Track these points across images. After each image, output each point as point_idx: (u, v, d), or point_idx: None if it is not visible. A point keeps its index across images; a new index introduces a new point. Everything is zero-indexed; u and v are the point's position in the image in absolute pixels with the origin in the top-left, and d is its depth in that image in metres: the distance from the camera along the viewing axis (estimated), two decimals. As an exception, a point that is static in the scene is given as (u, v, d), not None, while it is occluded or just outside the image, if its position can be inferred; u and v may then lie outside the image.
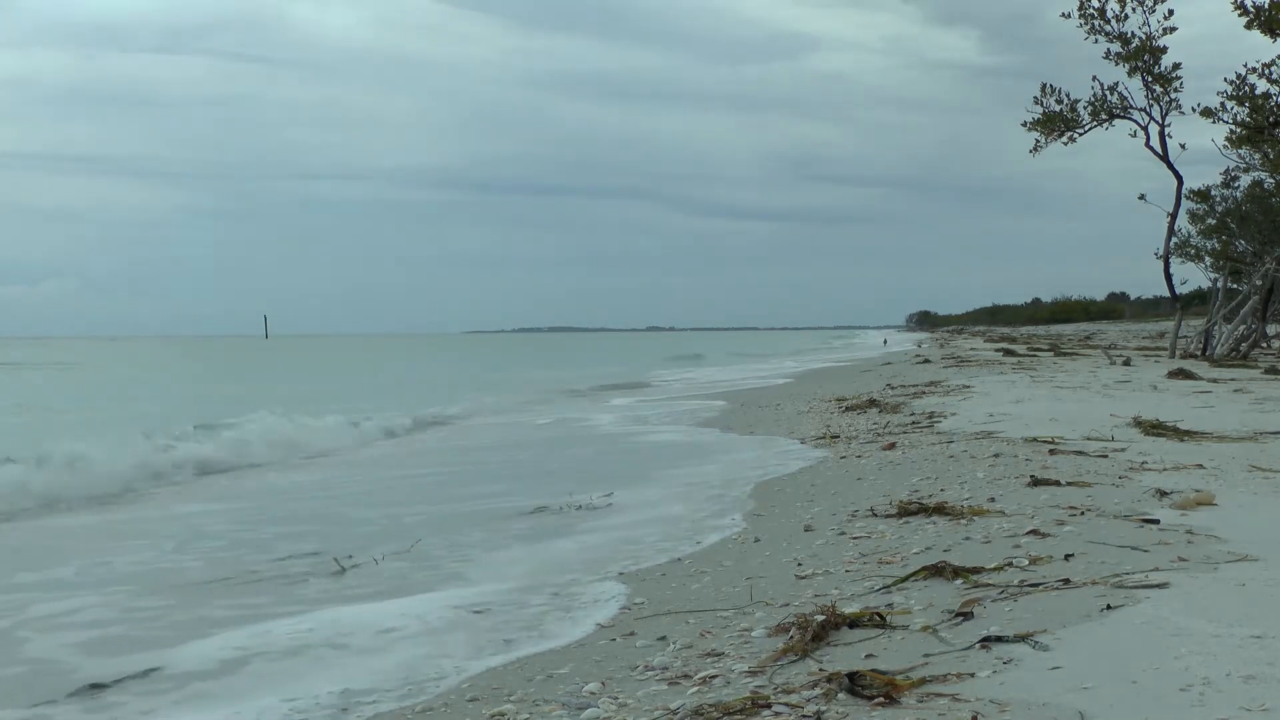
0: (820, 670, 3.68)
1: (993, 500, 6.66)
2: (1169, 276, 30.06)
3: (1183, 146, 28.78)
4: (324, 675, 4.60)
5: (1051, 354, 32.21)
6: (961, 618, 4.15)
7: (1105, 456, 8.29)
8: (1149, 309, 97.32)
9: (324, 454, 13.93)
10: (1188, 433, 9.79)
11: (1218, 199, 33.75)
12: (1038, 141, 30.00)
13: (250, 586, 6.32)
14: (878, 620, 4.20)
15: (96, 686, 4.58)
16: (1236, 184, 32.94)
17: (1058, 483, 7.00)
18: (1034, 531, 5.56)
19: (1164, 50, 27.96)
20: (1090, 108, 29.20)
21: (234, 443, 13.62)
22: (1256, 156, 28.23)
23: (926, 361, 30.74)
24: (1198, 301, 38.14)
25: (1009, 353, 33.77)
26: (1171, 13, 27.69)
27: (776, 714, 3.34)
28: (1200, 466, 7.64)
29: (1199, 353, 27.99)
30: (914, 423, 12.28)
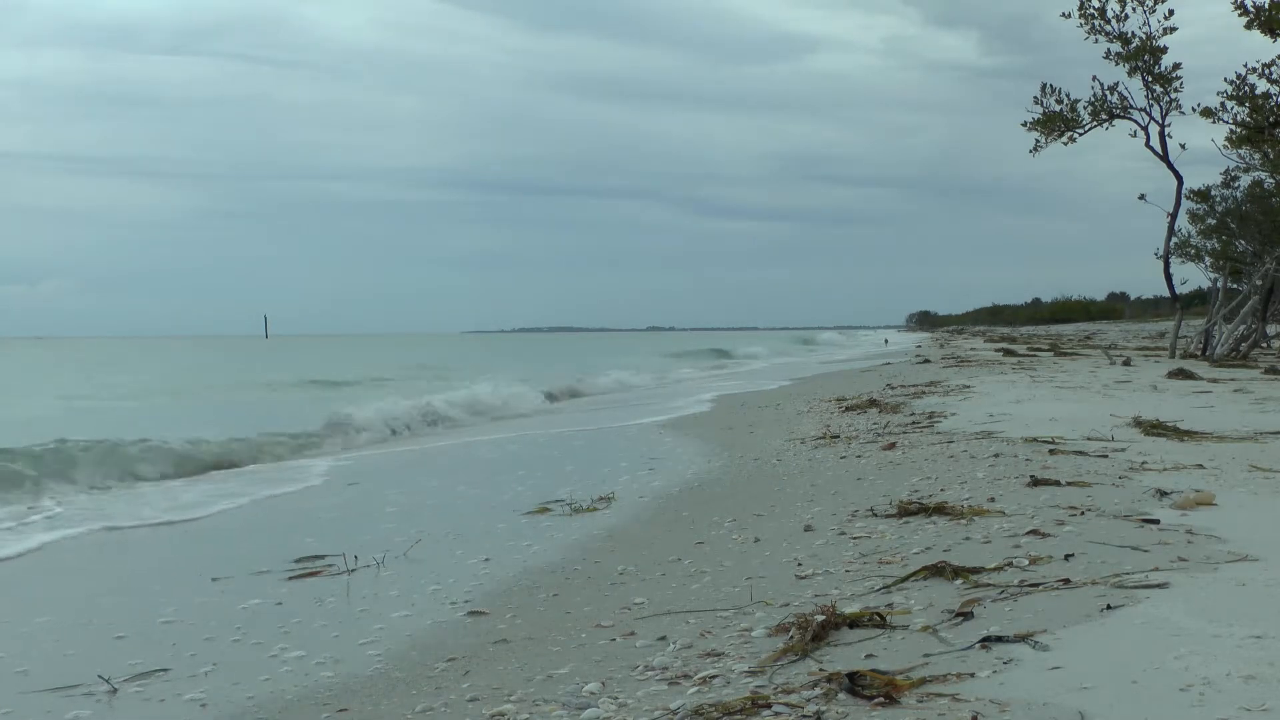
0: (820, 670, 3.68)
1: (993, 500, 6.67)
2: (1169, 276, 30.08)
3: (1183, 146, 28.84)
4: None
5: (1051, 354, 32.20)
6: (961, 618, 4.15)
7: (1105, 456, 8.29)
8: (1149, 309, 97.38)
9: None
10: (1188, 433, 9.78)
11: (1218, 199, 33.80)
12: (1038, 141, 30.03)
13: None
14: (878, 620, 4.20)
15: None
16: (1236, 184, 33.02)
17: (1058, 483, 7.00)
18: (1034, 531, 5.56)
19: (1164, 50, 28.00)
20: (1090, 108, 29.23)
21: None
22: (1256, 156, 28.27)
23: (926, 361, 30.73)
24: (1198, 301, 38.15)
25: (1009, 353, 33.75)
26: (1171, 13, 27.75)
27: (776, 714, 3.34)
28: (1200, 466, 7.64)
29: (1199, 353, 27.98)
30: (914, 423, 12.28)
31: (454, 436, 16.34)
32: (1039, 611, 4.13)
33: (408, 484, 10.89)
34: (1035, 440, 9.45)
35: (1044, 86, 29.53)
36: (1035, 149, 30.21)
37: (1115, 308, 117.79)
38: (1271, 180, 30.81)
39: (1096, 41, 28.34)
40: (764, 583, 5.35)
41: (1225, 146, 26.68)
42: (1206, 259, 34.89)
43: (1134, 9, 27.84)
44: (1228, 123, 24.70)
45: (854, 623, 4.18)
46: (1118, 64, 28.41)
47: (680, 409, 19.16)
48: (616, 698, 3.79)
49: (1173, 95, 28.37)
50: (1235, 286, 31.71)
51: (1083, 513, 5.99)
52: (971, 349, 41.99)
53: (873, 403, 15.28)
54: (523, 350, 73.85)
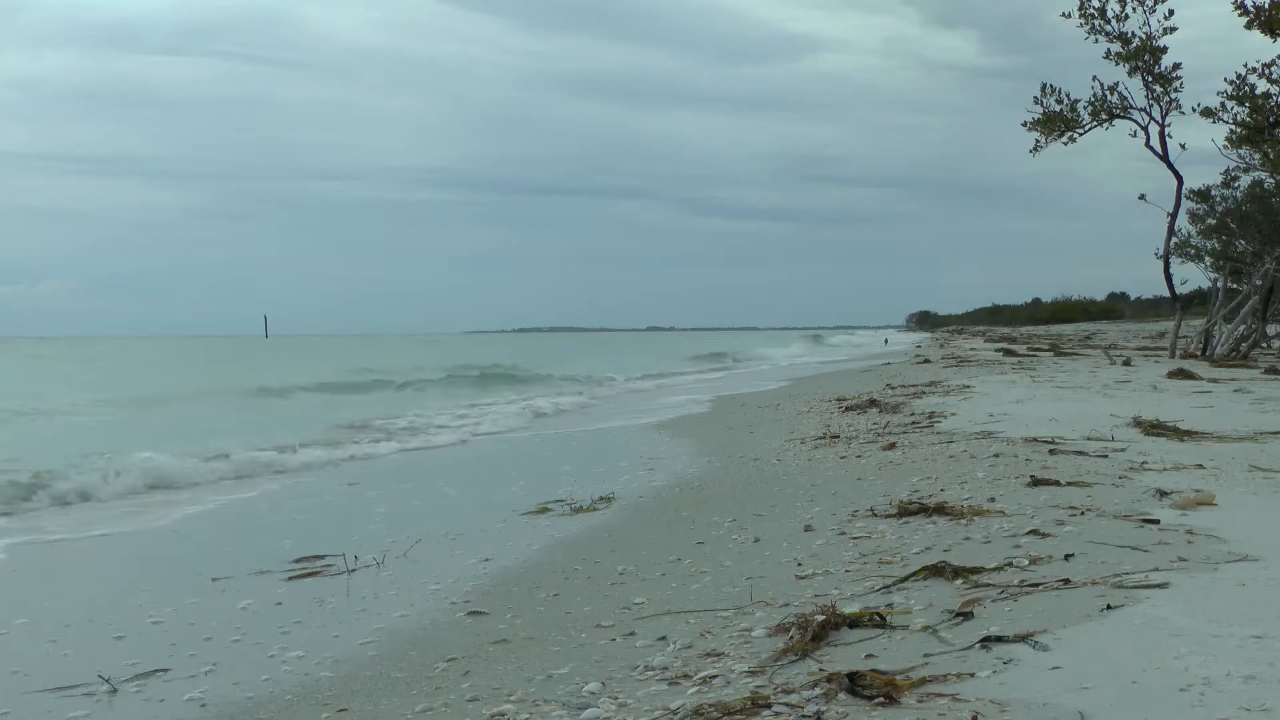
0: (820, 670, 3.68)
1: (993, 500, 6.67)
2: (1169, 276, 30.09)
3: (1183, 146, 28.86)
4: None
5: (1052, 354, 32.22)
6: (961, 618, 4.15)
7: (1105, 456, 8.29)
8: (1149, 309, 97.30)
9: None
10: (1188, 433, 9.79)
11: (1218, 199, 33.82)
12: (1038, 141, 30.04)
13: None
14: (878, 620, 4.20)
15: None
16: (1236, 184, 33.04)
17: (1058, 483, 7.00)
18: (1034, 531, 5.56)
19: (1164, 50, 28.01)
20: (1090, 108, 29.23)
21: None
22: (1256, 156, 28.26)
23: (926, 361, 30.74)
24: (1198, 301, 38.14)
25: (1009, 353, 33.76)
26: (1172, 13, 27.76)
27: (776, 714, 3.34)
28: (1200, 466, 7.64)
29: (1199, 353, 27.99)
30: (914, 423, 12.28)
31: (458, 436, 16.34)
32: (1039, 611, 4.13)
33: (406, 484, 10.89)
34: (1035, 440, 9.46)
35: (1044, 86, 29.57)
36: (1035, 149, 30.22)
37: (1115, 308, 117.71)
38: (1271, 180, 30.80)
39: (1096, 41, 28.37)
40: (764, 583, 5.34)
41: (1225, 146, 26.73)
42: (1206, 259, 34.93)
43: (1134, 9, 27.86)
44: (1228, 123, 24.74)
45: (854, 623, 4.18)
46: (1118, 64, 28.43)
47: (679, 409, 19.17)
48: (616, 698, 3.79)
49: (1173, 95, 28.41)
50: (1235, 286, 31.73)
51: (1083, 513, 5.99)
52: (971, 349, 42.00)
53: (873, 403, 15.28)
54: (525, 350, 73.84)
